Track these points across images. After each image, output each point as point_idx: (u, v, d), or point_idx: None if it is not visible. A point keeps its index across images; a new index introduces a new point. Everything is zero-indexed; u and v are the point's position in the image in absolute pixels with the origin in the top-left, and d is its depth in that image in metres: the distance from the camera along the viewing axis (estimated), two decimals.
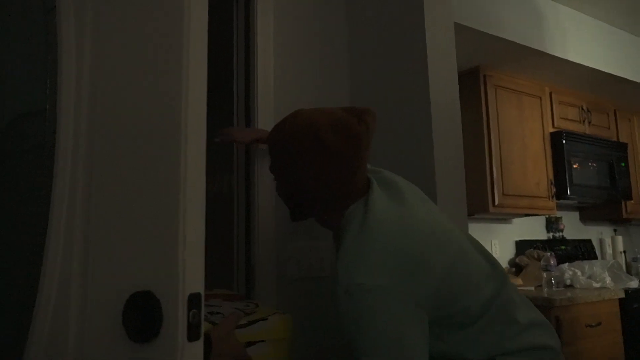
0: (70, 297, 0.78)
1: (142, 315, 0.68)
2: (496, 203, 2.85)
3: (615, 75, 3.24)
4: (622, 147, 3.57)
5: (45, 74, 0.89)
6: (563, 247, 3.46)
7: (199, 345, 0.68)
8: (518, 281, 3.00)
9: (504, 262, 3.30)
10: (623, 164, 3.53)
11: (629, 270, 3.74)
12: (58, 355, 0.77)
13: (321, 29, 1.79)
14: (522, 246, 3.32)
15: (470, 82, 2.98)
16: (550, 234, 3.55)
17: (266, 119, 1.56)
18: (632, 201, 3.64)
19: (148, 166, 0.74)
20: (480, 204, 2.86)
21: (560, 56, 2.90)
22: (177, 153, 0.70)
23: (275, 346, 1.08)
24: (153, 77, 0.76)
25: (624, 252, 3.85)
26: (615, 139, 3.62)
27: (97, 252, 0.78)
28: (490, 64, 2.98)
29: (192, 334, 0.66)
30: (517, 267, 3.19)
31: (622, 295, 2.74)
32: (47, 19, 0.91)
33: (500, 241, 3.31)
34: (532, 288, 2.91)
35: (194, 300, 0.67)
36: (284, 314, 1.14)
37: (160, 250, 0.69)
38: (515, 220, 3.42)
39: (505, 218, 3.34)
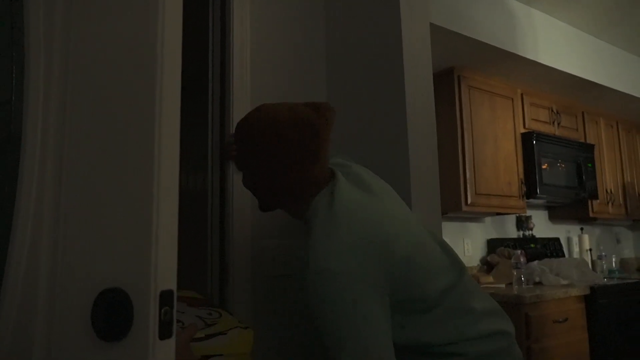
0: (37, 295, 0.75)
1: (112, 313, 0.67)
2: (469, 202, 2.90)
3: (584, 79, 3.33)
4: (589, 149, 3.68)
5: (10, 62, 0.86)
6: (533, 246, 3.55)
7: (170, 344, 0.67)
8: (489, 279, 3.06)
9: (475, 261, 3.37)
10: (590, 165, 3.64)
11: (594, 268, 3.86)
12: (23, 355, 0.75)
13: (298, 26, 1.78)
14: (493, 244, 3.39)
15: (445, 82, 3.02)
16: (521, 233, 3.64)
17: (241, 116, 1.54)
18: (598, 201, 3.75)
19: (121, 161, 0.73)
20: (453, 202, 2.90)
21: (532, 59, 2.97)
22: (150, 148, 0.68)
23: None
24: (127, 68, 0.74)
25: (590, 250, 3.98)
26: (583, 141, 3.73)
27: (65, 247, 0.76)
28: (465, 65, 3.02)
29: (164, 331, 0.65)
30: (488, 265, 3.25)
31: (588, 291, 2.83)
32: (12, 3, 0.88)
33: (472, 240, 3.37)
34: (503, 285, 2.97)
35: (166, 297, 0.66)
36: (245, 328, 1.12)
37: (132, 246, 0.68)
38: (487, 219, 3.49)
39: (477, 217, 3.41)
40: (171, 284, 0.67)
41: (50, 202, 0.78)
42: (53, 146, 0.80)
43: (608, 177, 3.92)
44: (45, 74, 0.82)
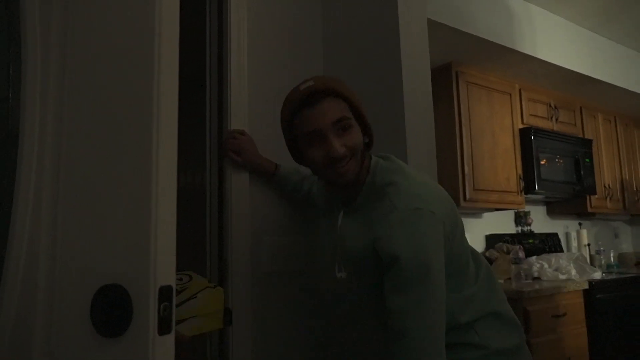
0: (36, 291, 0.75)
1: (111, 309, 0.67)
2: (467, 198, 2.90)
3: (582, 74, 3.33)
4: (587, 144, 3.69)
5: (7, 59, 0.86)
6: (531, 241, 3.56)
7: (170, 339, 0.67)
8: None
9: None
10: (588, 160, 3.64)
11: (592, 262, 3.88)
12: (23, 350, 0.75)
13: (296, 23, 1.78)
14: (492, 240, 3.40)
15: (443, 78, 3.02)
16: (519, 228, 3.65)
17: (239, 117, 1.54)
18: (596, 196, 3.76)
19: (119, 158, 0.73)
20: (452, 198, 2.90)
21: (530, 54, 2.97)
22: (149, 144, 0.68)
23: (208, 318, 1.12)
24: (124, 66, 0.74)
25: (588, 244, 3.99)
26: (581, 136, 3.74)
27: (64, 244, 0.76)
28: (463, 61, 3.02)
29: (163, 327, 0.65)
30: (487, 261, 3.26)
31: (586, 286, 2.84)
32: (8, 1, 0.88)
33: (470, 235, 3.37)
34: (502, 281, 2.98)
35: (165, 293, 0.66)
36: (214, 287, 1.17)
37: (131, 242, 0.68)
38: (485, 215, 3.50)
39: (475, 212, 3.41)
40: (170, 279, 0.67)
41: (48, 199, 0.78)
42: (51, 143, 0.80)
43: (606, 172, 3.93)
44: (42, 72, 0.82)
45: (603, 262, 3.85)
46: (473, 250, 1.19)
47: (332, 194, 1.19)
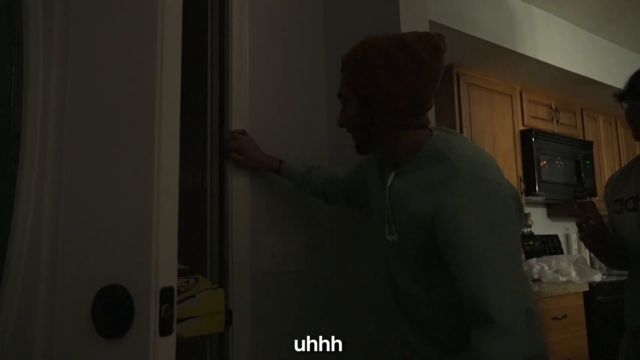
0: (37, 292, 0.75)
1: (112, 310, 0.67)
2: None
3: (582, 76, 3.33)
4: (588, 146, 3.68)
5: (9, 60, 0.86)
6: (531, 243, 3.55)
7: (171, 340, 0.67)
8: None
9: None
10: (588, 162, 3.64)
11: (593, 265, 3.87)
12: (24, 352, 0.75)
13: (298, 24, 1.78)
14: None
15: (444, 79, 3.01)
16: None
17: (241, 117, 1.54)
18: (597, 198, 3.76)
19: (121, 158, 0.73)
20: None
21: (531, 56, 2.97)
22: (150, 145, 0.68)
23: (207, 320, 1.13)
24: (127, 66, 0.74)
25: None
26: (581, 138, 3.73)
27: (65, 244, 0.76)
28: (464, 62, 3.02)
29: (164, 328, 0.65)
30: None
31: (587, 288, 2.84)
32: (11, 1, 0.88)
33: None
34: None
35: (166, 294, 0.66)
36: (216, 288, 1.17)
37: (132, 243, 0.68)
38: None
39: None
40: (171, 280, 0.67)
41: (50, 199, 0.78)
42: (52, 143, 0.79)
43: (607, 174, 3.92)
44: (44, 72, 0.82)
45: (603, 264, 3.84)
46: None
47: (382, 155, 1.14)
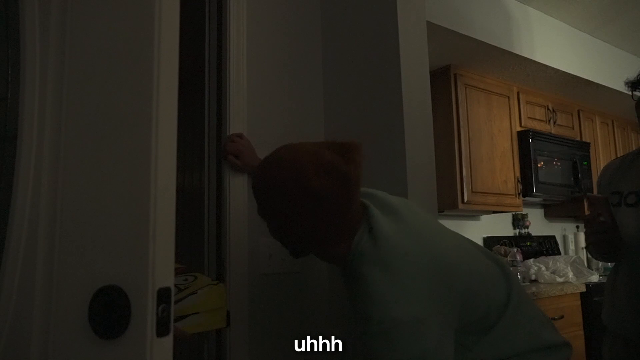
0: (33, 292, 0.75)
1: (109, 311, 0.66)
2: (465, 200, 2.91)
3: (579, 77, 3.34)
4: (585, 147, 3.70)
5: (5, 59, 0.85)
6: (529, 243, 3.56)
7: (168, 341, 0.67)
8: None
9: None
10: (585, 163, 3.65)
11: (589, 265, 3.88)
12: (20, 353, 0.75)
13: (295, 25, 1.78)
14: (489, 242, 3.40)
15: (441, 80, 3.03)
16: (517, 231, 3.65)
17: (238, 119, 1.54)
18: None
19: (118, 158, 0.73)
20: (450, 200, 2.91)
21: (528, 57, 2.98)
22: (148, 145, 0.68)
23: (210, 316, 1.12)
24: (123, 66, 0.74)
25: (585, 247, 3.99)
26: (578, 139, 3.75)
27: (62, 245, 0.75)
28: (461, 64, 3.03)
29: (162, 329, 0.65)
30: None
31: (583, 289, 2.85)
32: (7, 2, 0.88)
33: (468, 237, 3.37)
34: None
35: (163, 295, 0.66)
36: (217, 284, 1.16)
37: (129, 244, 0.68)
38: (483, 217, 3.50)
39: (473, 215, 3.41)
40: (168, 281, 0.67)
41: (46, 199, 0.78)
42: (49, 144, 0.79)
43: None
44: (41, 71, 0.82)
45: (600, 265, 3.85)
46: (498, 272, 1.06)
47: None
